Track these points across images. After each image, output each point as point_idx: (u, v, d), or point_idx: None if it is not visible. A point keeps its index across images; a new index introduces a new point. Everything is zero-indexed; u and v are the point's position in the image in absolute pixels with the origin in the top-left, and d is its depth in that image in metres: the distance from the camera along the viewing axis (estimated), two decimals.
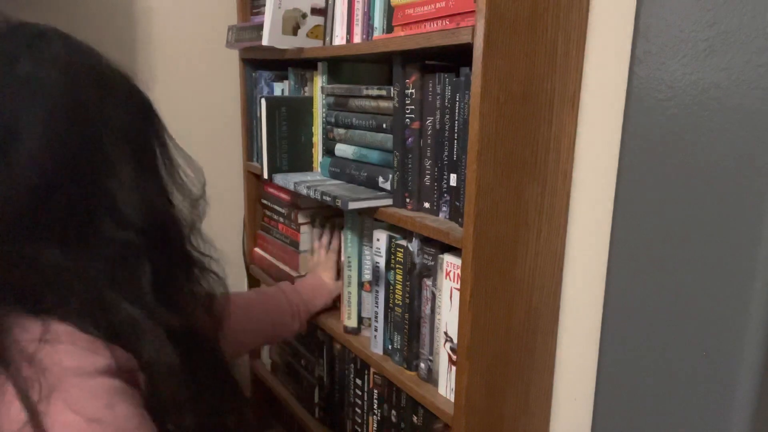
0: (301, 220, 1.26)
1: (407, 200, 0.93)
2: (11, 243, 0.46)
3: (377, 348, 1.03)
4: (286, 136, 1.20)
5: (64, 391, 0.42)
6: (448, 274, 0.86)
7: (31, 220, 0.47)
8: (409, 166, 0.91)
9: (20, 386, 0.41)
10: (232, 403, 0.61)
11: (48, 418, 0.40)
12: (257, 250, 1.47)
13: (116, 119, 0.52)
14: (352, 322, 1.11)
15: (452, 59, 0.85)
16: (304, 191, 1.04)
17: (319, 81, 1.14)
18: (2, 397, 0.41)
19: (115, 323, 0.47)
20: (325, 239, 1.18)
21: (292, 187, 1.09)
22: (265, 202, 1.43)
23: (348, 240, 1.09)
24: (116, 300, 0.48)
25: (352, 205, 0.92)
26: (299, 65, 1.24)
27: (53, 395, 0.41)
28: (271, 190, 1.38)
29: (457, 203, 0.84)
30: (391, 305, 0.99)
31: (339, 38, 1.07)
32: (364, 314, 1.10)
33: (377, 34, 0.98)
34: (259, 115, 1.21)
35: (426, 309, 0.92)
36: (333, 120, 1.08)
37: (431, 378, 0.93)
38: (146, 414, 0.47)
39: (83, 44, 0.53)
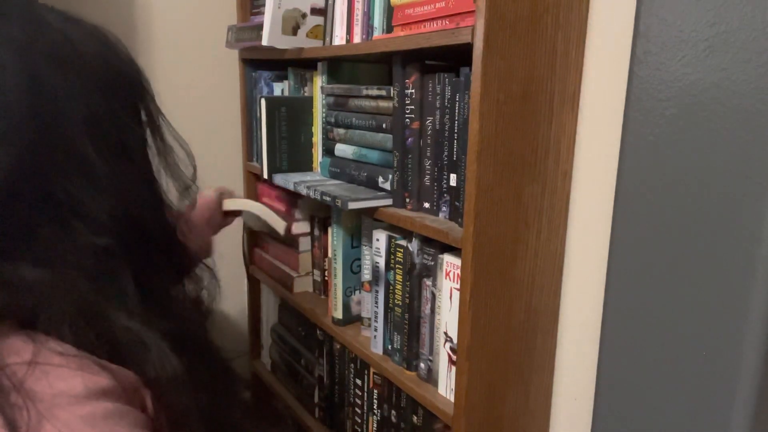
0: (296, 231, 1.26)
1: (407, 200, 0.93)
2: None
3: (377, 348, 1.03)
4: (286, 136, 1.20)
5: (54, 418, 0.38)
6: (447, 274, 0.86)
7: None
8: (409, 166, 0.91)
9: (7, 416, 0.37)
10: (234, 395, 0.58)
11: None
12: (257, 250, 1.47)
13: (87, 106, 0.45)
14: (338, 314, 1.13)
15: (452, 59, 0.85)
16: (304, 191, 1.04)
17: (319, 81, 1.14)
18: None
19: (112, 338, 0.44)
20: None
21: (291, 187, 1.09)
22: None
23: (334, 233, 1.11)
24: (109, 313, 0.44)
25: (352, 206, 0.92)
26: (299, 65, 1.24)
27: (43, 424, 0.38)
28: (265, 200, 1.38)
29: (457, 203, 0.84)
30: (390, 305, 0.99)
31: (339, 38, 1.07)
32: (363, 314, 1.10)
33: (377, 34, 0.98)
34: (259, 115, 1.21)
35: (426, 309, 0.92)
36: (333, 120, 1.08)
37: (431, 378, 0.93)
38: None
39: (50, 17, 0.46)
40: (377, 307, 1.02)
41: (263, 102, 1.17)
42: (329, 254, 1.16)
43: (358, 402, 1.15)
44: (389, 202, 0.95)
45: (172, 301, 0.52)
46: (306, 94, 1.22)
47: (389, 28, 0.96)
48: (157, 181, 0.53)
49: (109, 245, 0.45)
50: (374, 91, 0.96)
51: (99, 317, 0.44)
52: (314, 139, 1.21)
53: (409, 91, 0.88)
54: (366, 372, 1.11)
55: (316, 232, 1.24)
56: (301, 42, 1.11)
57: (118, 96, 0.48)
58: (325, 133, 1.12)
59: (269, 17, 1.06)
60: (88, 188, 0.45)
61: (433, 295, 0.90)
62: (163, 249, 0.53)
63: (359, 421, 1.15)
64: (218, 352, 0.58)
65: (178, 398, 0.46)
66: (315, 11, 1.10)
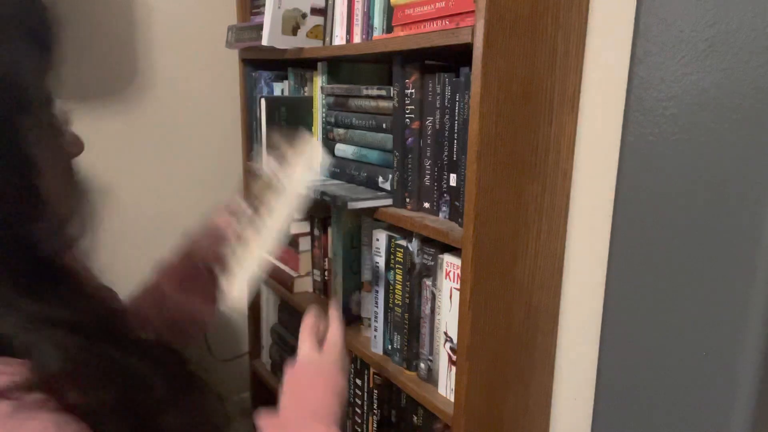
0: (296, 231, 1.26)
1: (407, 200, 0.93)
2: None
3: (377, 348, 1.03)
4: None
5: None
6: (447, 274, 0.86)
7: None
8: (409, 166, 0.91)
9: None
10: (159, 376, 0.52)
11: None
12: None
13: None
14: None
15: (452, 59, 0.85)
16: None
17: (319, 81, 1.14)
18: None
19: None
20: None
21: None
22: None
23: (334, 233, 1.11)
24: None
25: (352, 206, 0.92)
26: (299, 65, 1.24)
27: None
28: None
29: (457, 203, 0.84)
30: (390, 305, 0.99)
31: (339, 38, 1.07)
32: (363, 314, 1.10)
33: (377, 34, 0.98)
34: (259, 115, 1.21)
35: (426, 309, 0.92)
36: (333, 120, 1.08)
37: (431, 378, 0.93)
38: (68, 419, 0.41)
39: None
40: (377, 307, 1.02)
41: (263, 102, 1.17)
42: (329, 254, 1.16)
43: (358, 402, 1.15)
44: (389, 202, 0.95)
45: (67, 294, 0.48)
46: (306, 94, 1.22)
47: (389, 28, 0.96)
48: (35, 188, 0.45)
49: None
50: (374, 91, 0.96)
51: None
52: None
53: (409, 91, 0.88)
54: (366, 372, 1.11)
55: (316, 232, 1.24)
56: (301, 42, 1.11)
57: None
58: (325, 133, 1.12)
59: (269, 17, 1.06)
60: None
61: (433, 295, 0.90)
62: (49, 245, 0.47)
63: (359, 421, 1.15)
64: (138, 343, 0.53)
65: (75, 393, 0.43)
66: (315, 11, 1.10)
